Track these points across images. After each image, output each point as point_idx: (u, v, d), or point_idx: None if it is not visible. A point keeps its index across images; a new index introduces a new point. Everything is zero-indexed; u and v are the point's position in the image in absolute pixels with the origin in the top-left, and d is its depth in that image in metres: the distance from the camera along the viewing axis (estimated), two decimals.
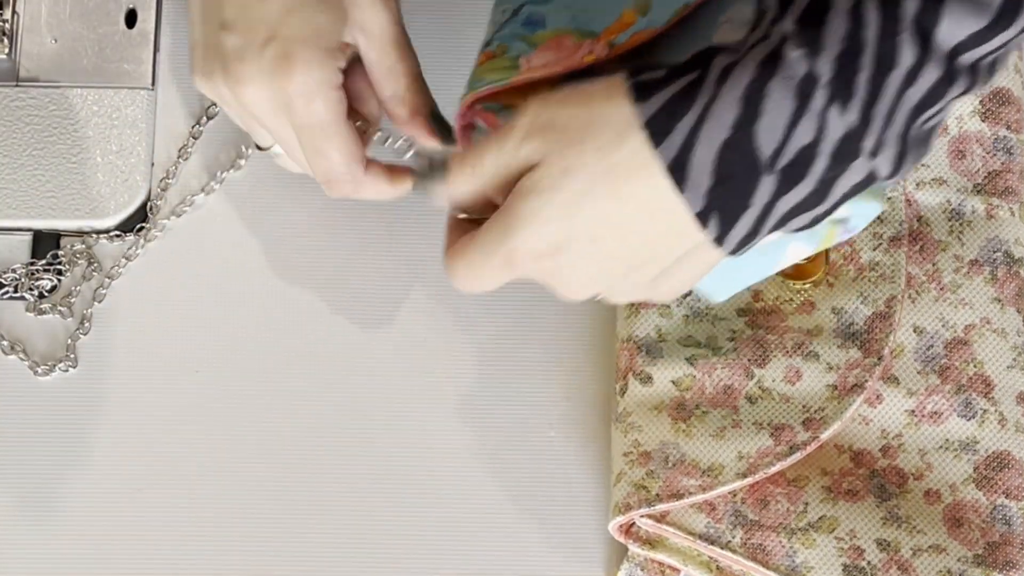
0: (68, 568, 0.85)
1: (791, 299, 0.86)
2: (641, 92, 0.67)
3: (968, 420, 0.83)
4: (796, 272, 0.85)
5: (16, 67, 0.91)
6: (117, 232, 0.90)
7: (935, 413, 0.84)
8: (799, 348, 0.84)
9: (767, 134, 0.65)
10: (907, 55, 0.65)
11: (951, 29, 0.64)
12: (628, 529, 0.83)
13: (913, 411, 0.84)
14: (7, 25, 0.91)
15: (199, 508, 0.86)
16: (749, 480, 0.81)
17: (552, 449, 0.87)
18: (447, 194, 0.73)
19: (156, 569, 0.85)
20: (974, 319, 0.85)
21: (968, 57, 0.65)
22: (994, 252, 0.86)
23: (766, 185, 0.67)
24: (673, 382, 0.84)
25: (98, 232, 0.90)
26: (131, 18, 0.92)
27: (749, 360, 0.84)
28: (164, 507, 0.86)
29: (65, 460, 0.86)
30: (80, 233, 0.90)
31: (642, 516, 0.82)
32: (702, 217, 0.67)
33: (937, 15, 0.64)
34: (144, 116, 0.91)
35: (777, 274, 0.85)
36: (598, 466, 0.86)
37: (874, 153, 0.66)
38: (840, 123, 0.65)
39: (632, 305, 0.86)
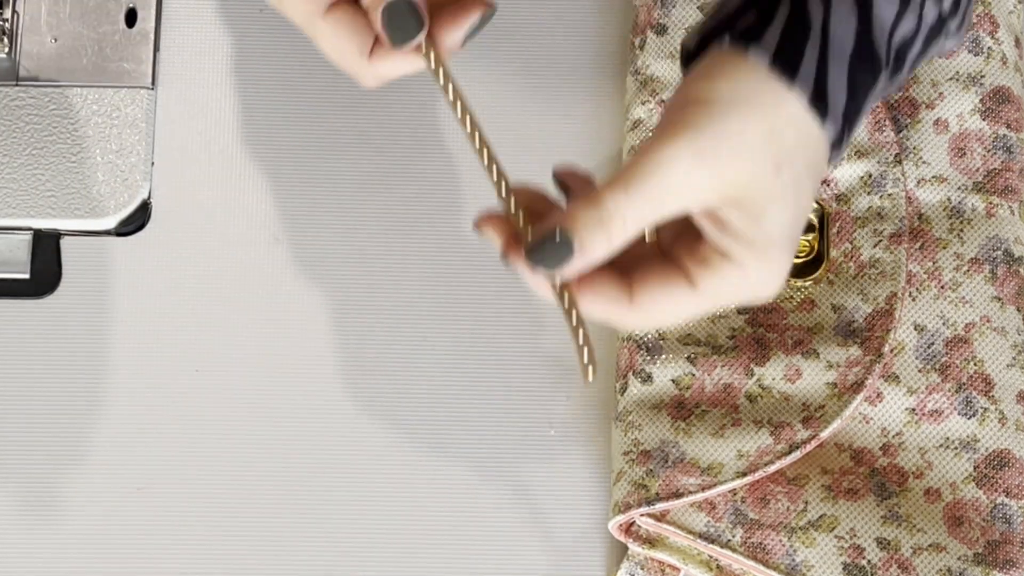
0: (68, 567, 0.85)
1: (791, 297, 0.85)
2: (747, 38, 0.63)
3: (968, 418, 0.83)
4: (796, 270, 0.85)
5: (16, 67, 0.91)
6: (117, 232, 0.90)
7: (935, 411, 0.84)
8: (799, 346, 0.84)
9: (881, 35, 0.64)
10: None
11: None
12: (628, 528, 0.83)
13: (913, 409, 0.84)
14: (7, 25, 0.91)
15: (199, 507, 0.86)
16: (749, 479, 0.81)
17: (552, 449, 0.87)
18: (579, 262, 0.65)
19: (155, 568, 0.85)
20: (974, 317, 0.85)
21: None
22: (994, 250, 0.86)
23: (881, 83, 0.66)
24: (673, 381, 0.84)
25: (98, 232, 0.90)
26: (131, 17, 0.92)
27: (749, 358, 0.84)
28: (164, 506, 0.86)
29: (65, 459, 0.86)
30: (80, 233, 0.90)
31: (642, 515, 0.82)
32: (838, 142, 0.65)
33: None
34: (144, 116, 0.91)
35: None
36: (598, 465, 0.86)
37: (958, 29, 0.67)
38: (933, 9, 0.65)
39: None
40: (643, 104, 0.89)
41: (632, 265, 0.65)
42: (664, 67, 0.89)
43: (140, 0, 0.93)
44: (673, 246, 0.66)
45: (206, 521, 0.86)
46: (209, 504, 0.86)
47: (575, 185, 0.68)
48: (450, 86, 0.70)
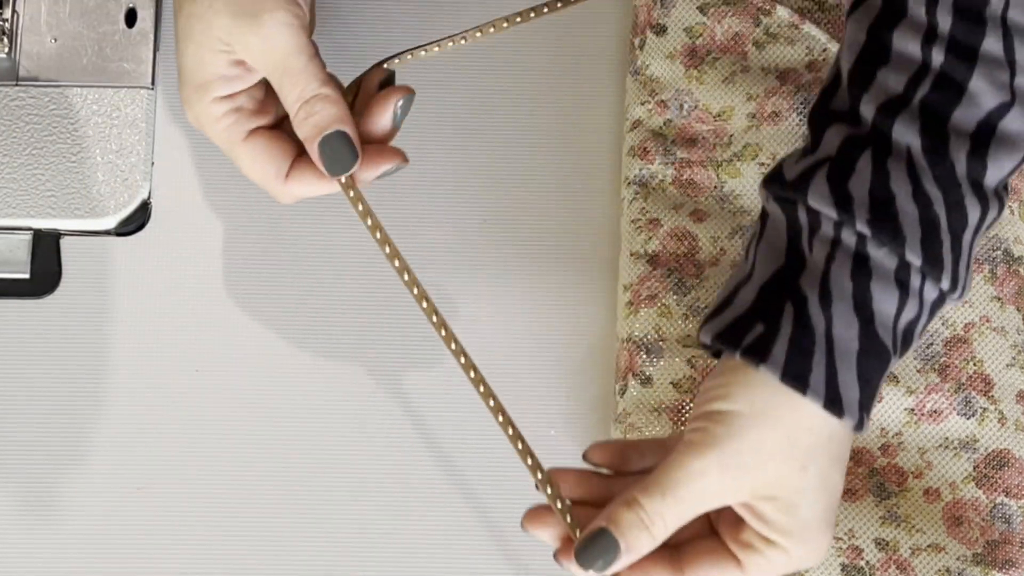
0: (68, 567, 0.85)
1: None
2: (756, 353, 0.67)
3: (968, 418, 0.83)
4: None
5: (16, 67, 0.91)
6: (117, 232, 0.90)
7: (935, 411, 0.84)
8: None
9: (884, 328, 0.67)
10: (973, 212, 0.68)
11: (995, 173, 0.69)
12: None
13: (913, 409, 0.84)
14: (7, 25, 0.91)
15: (199, 507, 0.86)
16: None
17: (552, 449, 0.86)
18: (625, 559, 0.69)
19: (155, 568, 0.85)
20: (974, 317, 0.85)
21: (1005, 184, 0.70)
22: (994, 250, 0.86)
23: (892, 366, 0.69)
24: (672, 384, 0.84)
25: (98, 232, 0.90)
26: (131, 17, 0.92)
27: None
28: (164, 506, 0.86)
29: (65, 459, 0.86)
30: (80, 233, 0.90)
31: None
32: (859, 426, 0.68)
33: (983, 165, 0.68)
34: (144, 116, 0.91)
35: None
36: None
37: (958, 299, 0.69)
38: (933, 290, 0.68)
39: (631, 304, 0.86)
40: (642, 104, 0.89)
41: (680, 540, 0.70)
42: (664, 67, 0.89)
43: (140, 0, 0.93)
44: (719, 522, 0.70)
45: (206, 521, 0.86)
46: (209, 504, 0.86)
47: (608, 462, 0.74)
48: (364, 210, 0.78)
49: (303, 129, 0.76)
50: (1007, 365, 0.84)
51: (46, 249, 0.89)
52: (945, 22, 0.68)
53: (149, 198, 0.90)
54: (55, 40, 0.92)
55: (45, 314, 0.89)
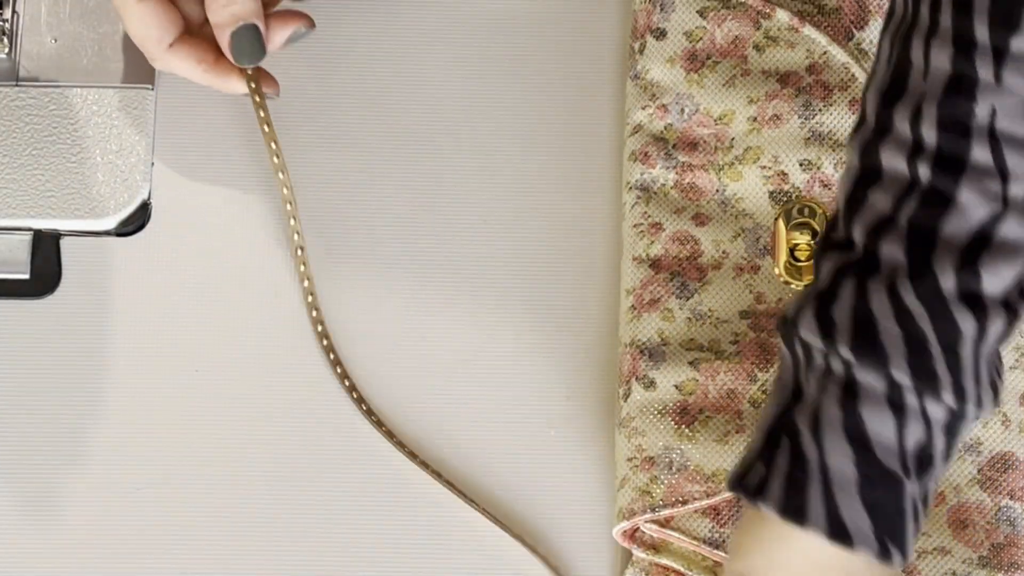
0: (68, 567, 0.85)
1: None
2: (758, 493, 0.67)
3: None
4: (798, 273, 0.85)
5: (16, 67, 0.91)
6: (117, 232, 0.90)
7: None
8: None
9: (886, 453, 0.66)
10: (966, 323, 0.66)
11: (995, 283, 0.66)
12: (632, 534, 0.83)
13: None
14: (7, 25, 0.91)
15: (199, 507, 0.86)
16: None
17: (552, 449, 0.87)
18: None
19: (155, 568, 0.85)
20: None
21: (1016, 292, 0.67)
22: None
23: (910, 490, 0.67)
24: (676, 386, 0.84)
25: (98, 232, 0.90)
26: None
27: (752, 363, 0.84)
28: (163, 506, 0.86)
29: (65, 459, 0.86)
30: (80, 233, 0.89)
31: (646, 521, 0.82)
32: (883, 554, 0.66)
33: (976, 275, 0.66)
34: (144, 116, 0.91)
35: (779, 276, 0.86)
36: (599, 466, 0.86)
37: (978, 412, 0.67)
38: (938, 408, 0.66)
39: (634, 308, 0.86)
40: (643, 109, 0.89)
41: None
42: (664, 71, 0.89)
43: None
44: None
45: (206, 521, 0.86)
46: (209, 504, 0.86)
47: None
48: (261, 111, 0.85)
49: (220, 15, 0.81)
50: (1010, 367, 0.84)
51: (46, 249, 0.89)
52: (930, 136, 0.67)
53: (149, 198, 0.90)
54: (55, 40, 0.92)
55: (45, 314, 0.89)
